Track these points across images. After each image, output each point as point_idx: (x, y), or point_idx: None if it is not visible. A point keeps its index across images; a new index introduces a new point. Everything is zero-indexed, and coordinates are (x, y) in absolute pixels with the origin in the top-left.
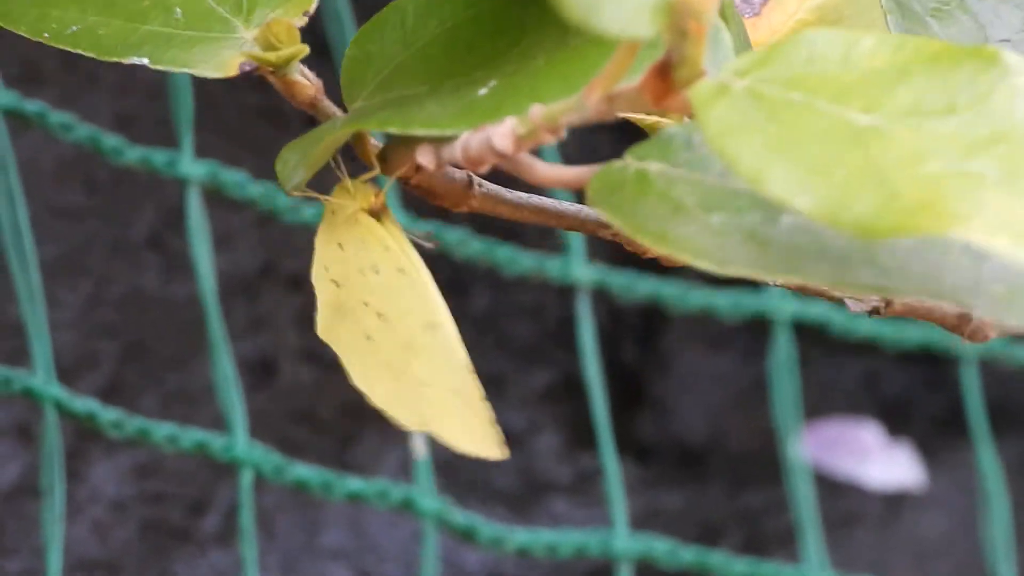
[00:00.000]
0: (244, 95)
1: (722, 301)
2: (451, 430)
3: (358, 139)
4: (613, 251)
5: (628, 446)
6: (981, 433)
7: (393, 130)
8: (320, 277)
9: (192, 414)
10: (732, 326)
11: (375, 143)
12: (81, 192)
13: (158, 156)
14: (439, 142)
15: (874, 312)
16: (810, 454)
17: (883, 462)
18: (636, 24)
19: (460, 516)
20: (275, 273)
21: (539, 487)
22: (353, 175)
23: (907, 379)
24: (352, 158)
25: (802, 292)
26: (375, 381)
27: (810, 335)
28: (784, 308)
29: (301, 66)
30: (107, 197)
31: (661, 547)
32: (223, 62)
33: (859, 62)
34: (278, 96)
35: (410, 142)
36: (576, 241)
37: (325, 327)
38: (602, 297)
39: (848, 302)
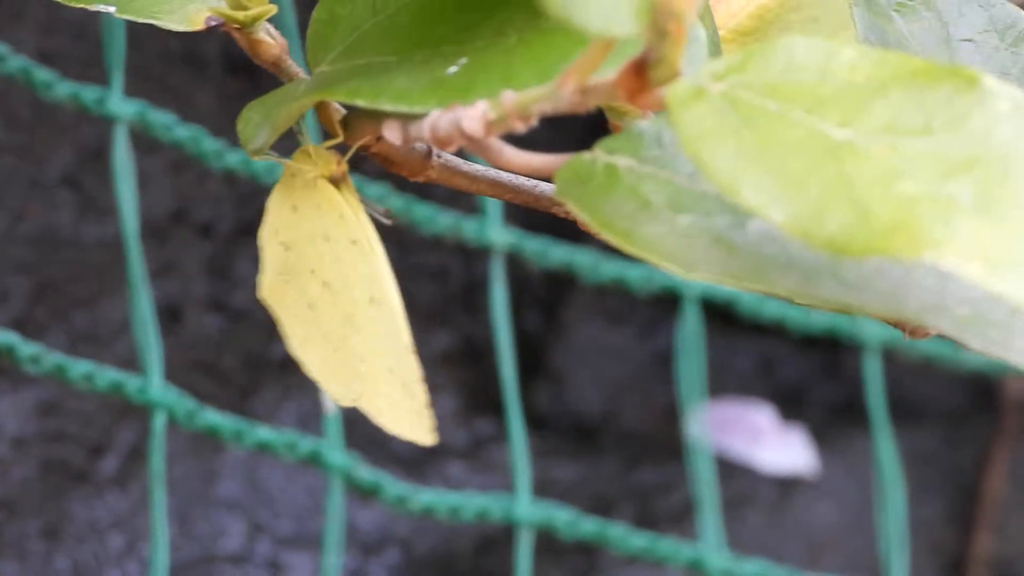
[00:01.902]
0: (166, 39)
1: (634, 273)
2: (382, 409)
3: (321, 105)
4: (526, 217)
5: (524, 415)
6: (880, 422)
7: (361, 103)
8: (269, 239)
9: (99, 354)
10: (631, 301)
11: (337, 108)
12: (2, 127)
13: (88, 93)
14: (406, 118)
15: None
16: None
17: (776, 446)
18: (618, 22)
19: (366, 473)
20: (186, 219)
21: (435, 451)
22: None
23: (803, 365)
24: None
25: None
26: (312, 350)
27: (709, 314)
28: (693, 284)
29: (267, 25)
30: (26, 134)
31: (562, 517)
32: (188, 16)
33: (837, 74)
34: (198, 41)
35: (376, 114)
36: (492, 204)
37: (268, 289)
38: (509, 263)
39: None
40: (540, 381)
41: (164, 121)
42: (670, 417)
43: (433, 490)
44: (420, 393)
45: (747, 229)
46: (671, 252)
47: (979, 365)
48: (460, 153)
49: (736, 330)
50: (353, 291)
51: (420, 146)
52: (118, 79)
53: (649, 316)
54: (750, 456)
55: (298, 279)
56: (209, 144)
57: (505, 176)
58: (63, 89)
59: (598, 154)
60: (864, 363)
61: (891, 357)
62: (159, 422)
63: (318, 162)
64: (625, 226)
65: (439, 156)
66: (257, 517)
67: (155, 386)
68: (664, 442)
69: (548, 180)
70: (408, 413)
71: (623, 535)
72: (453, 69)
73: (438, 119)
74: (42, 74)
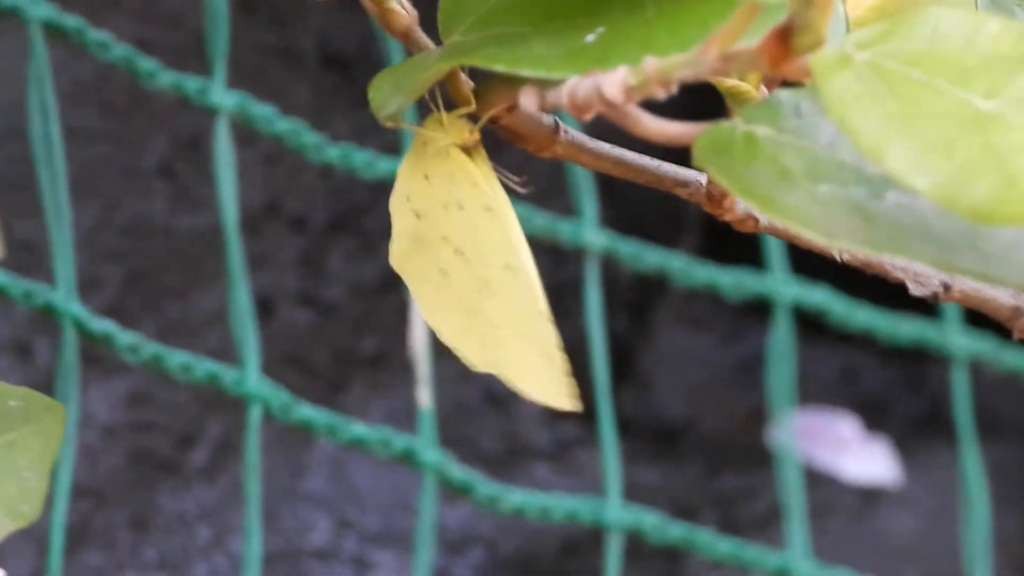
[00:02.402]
0: (263, 33)
1: (725, 279)
2: (522, 375)
3: (451, 75)
4: (620, 221)
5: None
6: (966, 436)
7: (500, 68)
8: (400, 206)
9: (189, 345)
10: (715, 307)
11: (466, 80)
12: (96, 115)
13: (190, 83)
14: (544, 85)
15: (933, 297)
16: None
17: (860, 456)
18: None
19: (458, 471)
20: (279, 212)
21: (520, 452)
22: (422, 110)
23: (886, 376)
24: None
25: (866, 268)
26: (445, 316)
27: (794, 323)
28: (785, 292)
29: None
30: (121, 122)
31: (650, 521)
32: None
33: (982, 46)
34: (294, 35)
35: (511, 82)
36: (588, 205)
37: (398, 256)
38: (602, 265)
39: (909, 284)
40: (626, 385)
41: (264, 113)
42: (752, 424)
43: (523, 491)
44: (559, 360)
45: (884, 199)
46: (812, 220)
47: None
48: (586, 131)
49: (820, 339)
50: (487, 258)
51: (548, 120)
52: (221, 70)
53: (733, 323)
54: (834, 465)
55: (430, 246)
56: (309, 137)
57: (629, 155)
58: (165, 79)
59: (737, 123)
60: (951, 375)
61: (975, 370)
62: (255, 415)
63: (450, 131)
64: (766, 192)
65: (566, 132)
66: (344, 513)
67: (252, 379)
68: (746, 449)
69: (683, 149)
70: (547, 379)
71: (710, 540)
72: (591, 38)
73: (577, 85)
74: (145, 63)
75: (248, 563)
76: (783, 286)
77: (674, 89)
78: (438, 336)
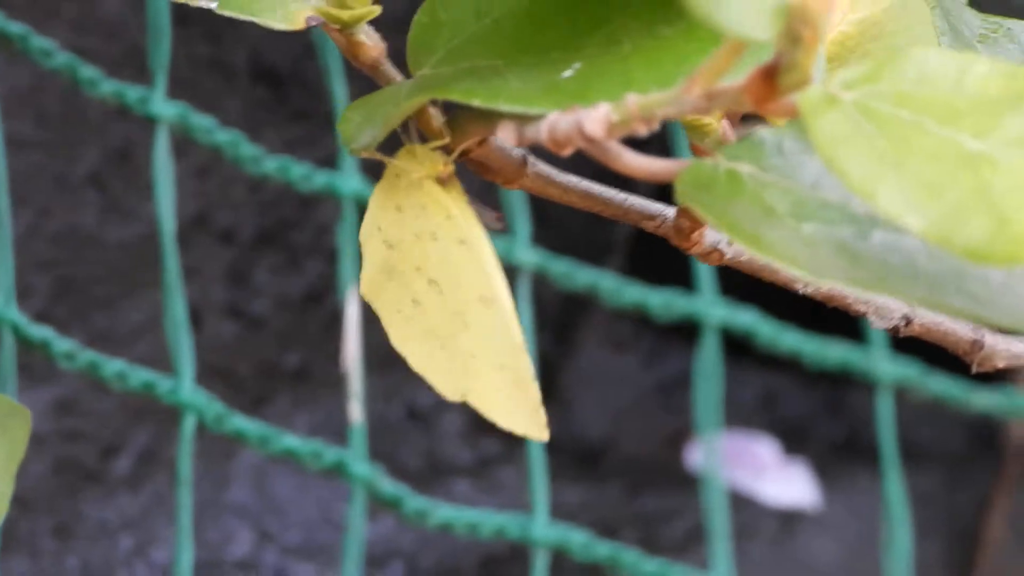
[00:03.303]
0: (195, 45)
1: (655, 299)
2: (494, 404)
3: (420, 107)
4: (548, 240)
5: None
6: (890, 462)
7: (477, 102)
8: (371, 236)
9: (117, 356)
10: (636, 329)
11: (435, 113)
12: (30, 124)
13: (131, 92)
14: (522, 120)
15: (894, 330)
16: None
17: (779, 479)
18: (756, 25)
19: (387, 485)
20: (208, 225)
21: (441, 468)
22: (389, 145)
23: (807, 400)
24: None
25: (828, 301)
26: (417, 346)
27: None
28: (713, 313)
29: (367, 27)
30: (55, 131)
31: (577, 539)
32: (290, 13)
33: (971, 87)
34: (227, 49)
35: (486, 116)
36: (521, 224)
37: (369, 286)
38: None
39: (871, 317)
40: (548, 403)
41: (204, 124)
42: (672, 445)
43: (451, 506)
44: (534, 390)
45: (871, 239)
46: (798, 258)
47: (988, 408)
48: (553, 163)
49: (740, 363)
50: (462, 290)
51: (516, 154)
52: (162, 80)
53: (654, 344)
54: (753, 488)
55: (402, 276)
56: (247, 149)
57: (596, 188)
58: (107, 87)
59: (720, 160)
60: (876, 401)
61: (898, 396)
62: (188, 424)
63: (424, 162)
64: (752, 230)
65: (534, 165)
66: (266, 525)
67: (186, 388)
68: (666, 470)
69: (664, 184)
70: (520, 409)
71: (635, 560)
72: (568, 73)
73: (557, 121)
74: (86, 71)
75: (179, 573)
76: (711, 307)
77: (656, 126)
78: (410, 365)
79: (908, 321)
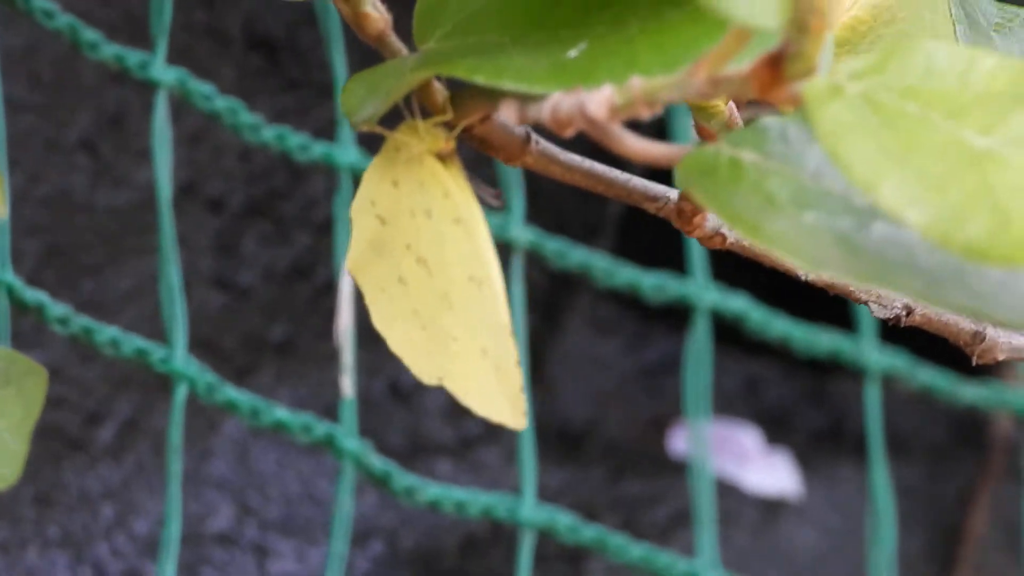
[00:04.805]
0: (190, 11)
1: (648, 282)
2: (471, 389)
3: (424, 83)
4: (537, 218)
5: None
6: (877, 452)
7: (480, 79)
8: (363, 211)
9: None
10: (620, 313)
11: (439, 88)
12: (23, 86)
13: (132, 56)
14: (524, 98)
15: (895, 320)
16: (689, 451)
17: (761, 468)
18: (763, 13)
19: (376, 461)
20: (197, 194)
21: (423, 447)
22: (388, 120)
23: (788, 389)
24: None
25: (830, 289)
26: (396, 326)
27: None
28: (705, 297)
29: None
30: (48, 95)
31: (563, 521)
32: None
33: (977, 82)
34: (221, 16)
35: (490, 93)
36: (516, 201)
37: (356, 262)
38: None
39: (872, 306)
40: (534, 386)
41: (203, 91)
42: (654, 430)
43: (439, 484)
44: (516, 376)
45: (870, 232)
46: (797, 248)
47: (974, 400)
48: (557, 143)
49: (723, 350)
50: (451, 269)
51: (519, 131)
52: (162, 45)
53: (637, 328)
54: (736, 476)
55: (391, 253)
56: (246, 117)
57: (599, 168)
58: (108, 50)
59: (722, 147)
60: (865, 391)
61: (884, 387)
62: (180, 394)
63: (425, 138)
64: (753, 219)
65: (537, 143)
66: (247, 499)
67: (179, 357)
68: (649, 455)
69: (664, 169)
70: (499, 395)
71: (622, 544)
72: (573, 53)
73: (560, 101)
74: (88, 33)
75: (166, 544)
76: (703, 291)
77: (659, 110)
78: (389, 345)
79: (909, 311)
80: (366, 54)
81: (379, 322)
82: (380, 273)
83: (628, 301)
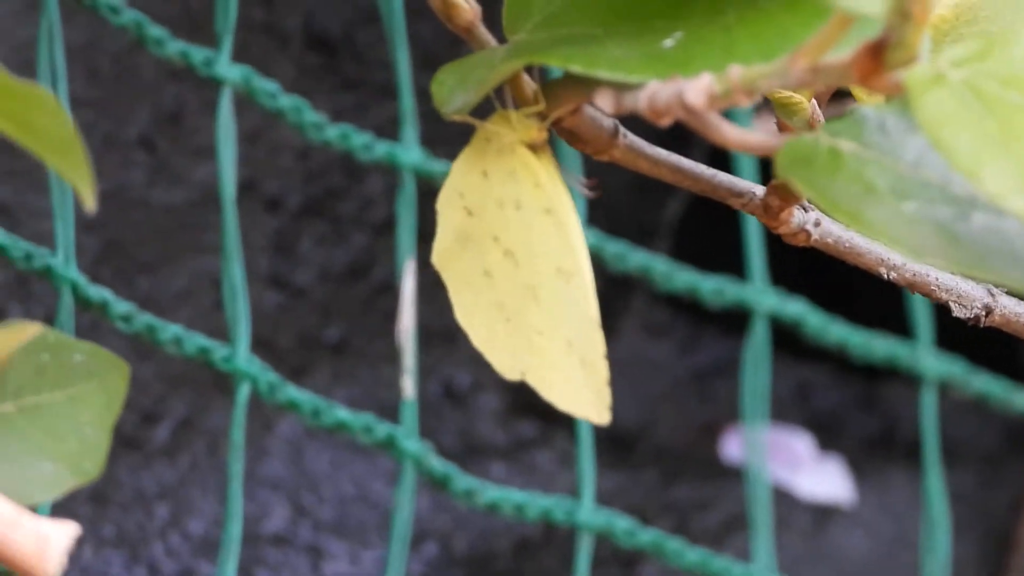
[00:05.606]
0: (249, 9)
1: (707, 285)
2: (554, 383)
3: (513, 73)
4: (594, 220)
5: (562, 420)
6: (932, 459)
7: (576, 69)
8: (451, 202)
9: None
10: (672, 316)
11: (528, 80)
12: (82, 82)
13: (197, 54)
14: (620, 88)
15: (975, 320)
16: (744, 456)
17: (814, 474)
18: (867, 1)
19: (437, 463)
20: (255, 192)
21: (476, 449)
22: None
23: (840, 394)
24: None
25: (911, 288)
26: (479, 319)
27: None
28: (764, 301)
29: None
30: (106, 90)
31: (622, 525)
32: None
33: None
34: (280, 14)
35: (582, 83)
36: (576, 201)
37: (442, 255)
38: None
39: (952, 306)
40: None
41: (268, 89)
42: (706, 435)
43: (499, 487)
44: (602, 369)
45: (971, 221)
46: (899, 237)
47: None
48: (644, 137)
49: (774, 355)
50: (538, 261)
51: (608, 124)
52: (228, 42)
53: (690, 332)
54: (788, 482)
55: (477, 245)
56: (310, 116)
57: (686, 163)
58: (174, 47)
59: (821, 136)
60: (921, 398)
61: (939, 393)
62: (243, 393)
63: (518, 127)
64: (853, 208)
65: (625, 136)
66: (300, 500)
67: (241, 356)
68: (701, 460)
69: (765, 157)
70: (584, 389)
71: (679, 549)
72: (669, 42)
73: (658, 90)
74: (154, 30)
75: (227, 544)
76: (762, 295)
77: (758, 98)
78: (471, 339)
79: (989, 311)
80: (427, 53)
81: (462, 316)
82: (465, 266)
83: (680, 304)
